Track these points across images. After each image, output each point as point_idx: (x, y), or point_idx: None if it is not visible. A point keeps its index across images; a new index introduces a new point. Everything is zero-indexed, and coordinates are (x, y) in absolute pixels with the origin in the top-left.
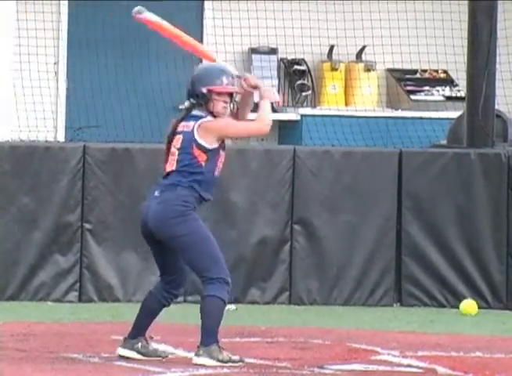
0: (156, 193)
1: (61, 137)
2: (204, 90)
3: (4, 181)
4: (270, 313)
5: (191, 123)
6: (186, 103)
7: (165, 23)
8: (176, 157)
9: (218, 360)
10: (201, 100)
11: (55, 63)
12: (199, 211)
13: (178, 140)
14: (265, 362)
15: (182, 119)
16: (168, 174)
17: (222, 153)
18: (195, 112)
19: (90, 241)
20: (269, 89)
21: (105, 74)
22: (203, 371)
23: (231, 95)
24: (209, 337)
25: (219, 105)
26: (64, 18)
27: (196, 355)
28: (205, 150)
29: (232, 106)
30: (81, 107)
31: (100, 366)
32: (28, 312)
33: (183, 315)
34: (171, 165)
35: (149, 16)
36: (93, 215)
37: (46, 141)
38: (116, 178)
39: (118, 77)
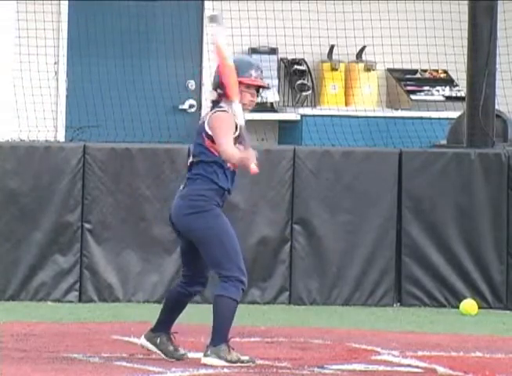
0: (181, 187)
1: (61, 137)
2: None
3: (4, 181)
4: (270, 313)
5: (206, 115)
6: (213, 94)
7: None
8: (192, 150)
9: (227, 360)
10: (224, 90)
11: (55, 63)
12: (223, 205)
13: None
14: (264, 362)
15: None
16: (190, 166)
17: (238, 145)
18: (222, 104)
19: (90, 241)
20: (248, 158)
21: (105, 74)
22: (203, 371)
23: (258, 88)
24: (218, 337)
25: (246, 97)
26: (64, 18)
27: (205, 355)
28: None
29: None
30: (81, 107)
31: (100, 366)
32: (28, 312)
33: (183, 315)
34: (190, 158)
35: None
36: (93, 215)
37: (46, 141)
38: (116, 178)
39: (118, 77)
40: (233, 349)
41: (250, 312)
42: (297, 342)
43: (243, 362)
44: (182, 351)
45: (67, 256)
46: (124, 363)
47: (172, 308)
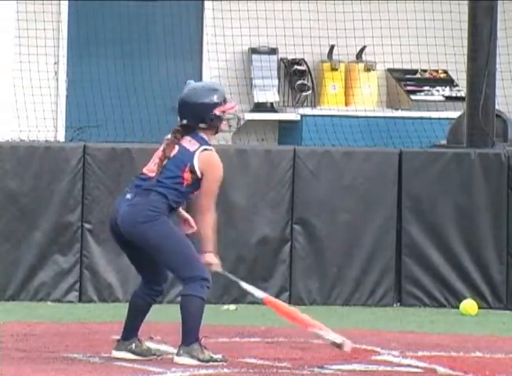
0: (129, 196)
1: (61, 137)
2: (218, 113)
3: (4, 181)
4: (270, 313)
5: (197, 144)
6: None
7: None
8: (163, 166)
9: (199, 360)
10: (215, 123)
11: (55, 63)
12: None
13: (172, 149)
14: (264, 362)
15: (186, 133)
16: (148, 177)
17: None
18: (201, 133)
19: (90, 241)
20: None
21: (105, 73)
22: (203, 371)
23: None
24: (189, 336)
25: (223, 123)
26: (64, 18)
27: (177, 354)
28: (195, 177)
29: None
30: (81, 107)
31: (100, 366)
32: (28, 312)
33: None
34: (153, 171)
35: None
36: (93, 215)
37: (46, 141)
38: (116, 178)
39: (118, 76)
40: (206, 348)
41: (250, 312)
42: (297, 342)
43: (215, 361)
44: (153, 346)
45: (67, 256)
46: (124, 363)
47: (141, 311)
